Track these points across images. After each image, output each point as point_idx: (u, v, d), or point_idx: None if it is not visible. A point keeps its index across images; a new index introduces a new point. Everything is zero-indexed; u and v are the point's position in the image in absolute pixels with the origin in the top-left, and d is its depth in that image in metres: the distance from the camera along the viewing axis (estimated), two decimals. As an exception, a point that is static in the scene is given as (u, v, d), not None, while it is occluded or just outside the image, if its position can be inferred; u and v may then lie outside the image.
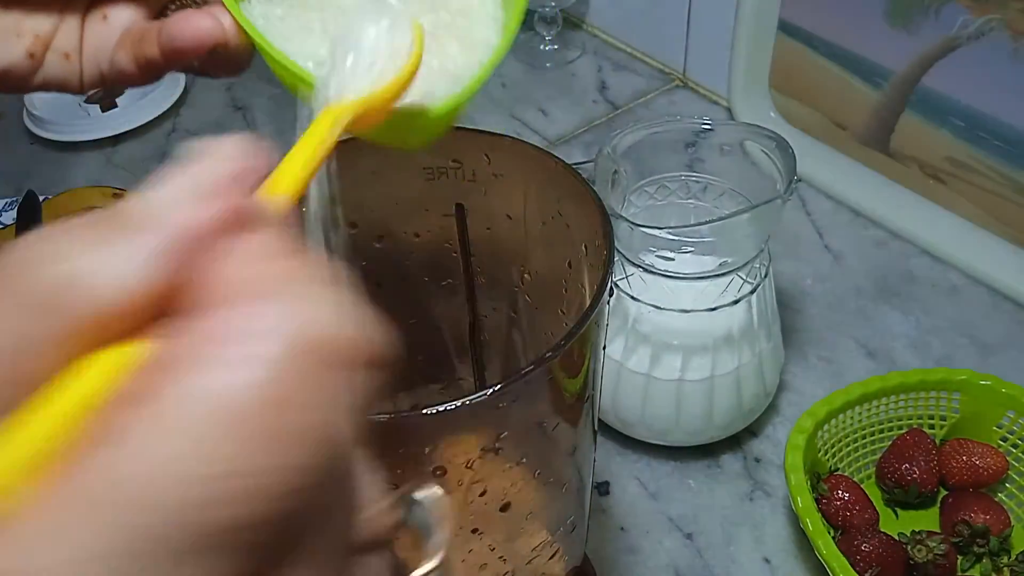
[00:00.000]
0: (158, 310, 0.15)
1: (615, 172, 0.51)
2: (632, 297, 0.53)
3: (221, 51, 0.32)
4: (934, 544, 0.48)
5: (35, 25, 0.34)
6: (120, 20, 0.35)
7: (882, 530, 0.50)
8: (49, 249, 0.15)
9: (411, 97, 0.27)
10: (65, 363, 0.14)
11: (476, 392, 0.29)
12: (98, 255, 0.15)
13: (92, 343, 0.15)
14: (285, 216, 0.17)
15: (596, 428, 0.41)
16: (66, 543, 0.13)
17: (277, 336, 0.14)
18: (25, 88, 0.35)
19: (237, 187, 0.16)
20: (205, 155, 0.16)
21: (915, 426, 0.54)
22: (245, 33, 0.31)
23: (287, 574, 0.15)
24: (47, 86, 0.35)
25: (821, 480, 0.52)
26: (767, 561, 0.52)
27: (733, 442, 0.58)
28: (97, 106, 0.88)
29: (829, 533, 0.47)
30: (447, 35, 0.32)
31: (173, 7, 0.35)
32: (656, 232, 0.49)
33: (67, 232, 0.15)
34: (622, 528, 0.54)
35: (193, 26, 0.31)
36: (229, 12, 0.31)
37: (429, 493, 0.21)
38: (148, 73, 0.34)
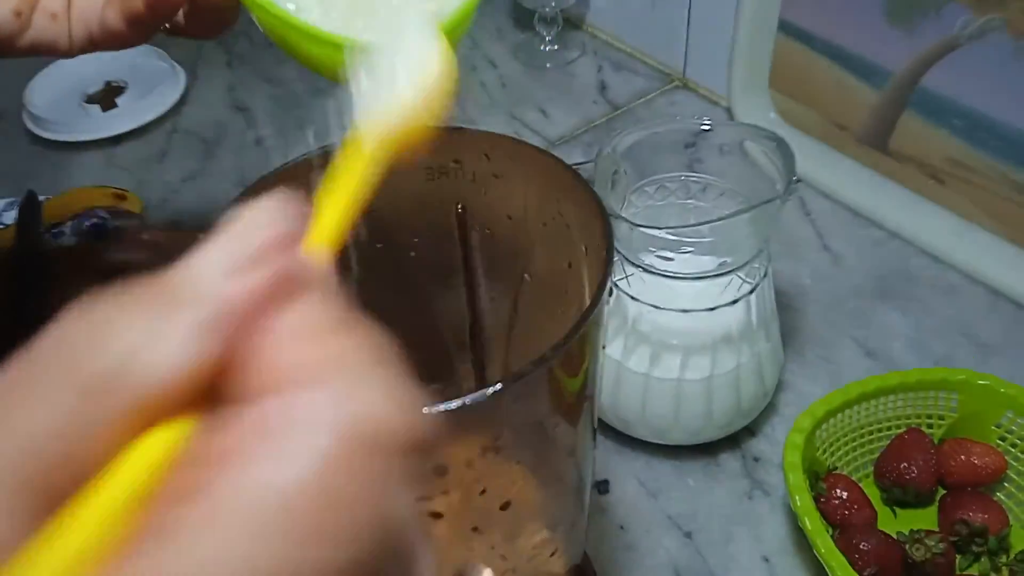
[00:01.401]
0: (208, 384, 0.15)
1: (615, 172, 0.51)
2: (632, 297, 0.53)
3: (204, 3, 0.31)
4: (932, 543, 0.48)
5: None
6: None
7: (880, 529, 0.51)
8: (97, 328, 0.15)
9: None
10: (118, 444, 0.14)
11: (476, 392, 0.29)
12: (148, 333, 0.15)
13: (144, 423, 0.15)
14: (329, 273, 0.17)
15: (596, 427, 0.41)
16: None
17: (327, 427, 0.14)
18: (12, 51, 0.34)
19: (279, 252, 0.16)
20: (243, 221, 0.16)
21: (914, 425, 0.54)
22: None
23: None
24: (35, 48, 0.34)
25: (820, 479, 0.52)
26: (766, 560, 0.52)
27: (732, 441, 0.58)
28: (97, 106, 0.88)
29: (828, 532, 0.48)
30: None
31: None
32: (656, 232, 0.50)
33: (113, 308, 0.15)
34: (621, 527, 0.54)
35: None
36: None
37: None
38: (136, 30, 0.33)
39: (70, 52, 0.35)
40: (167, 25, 0.33)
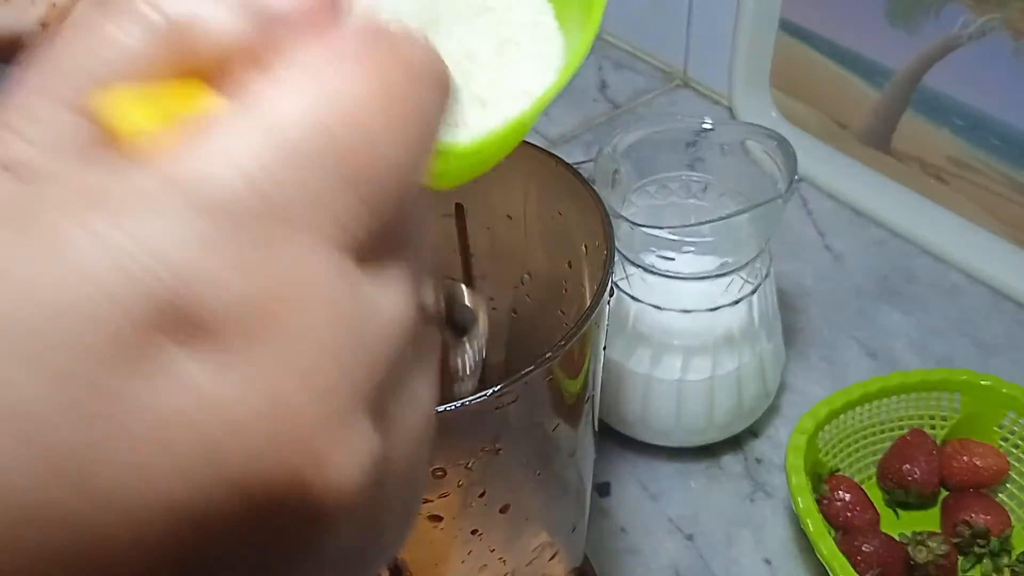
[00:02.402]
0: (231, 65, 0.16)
1: (615, 172, 0.51)
2: (632, 297, 0.53)
3: None
4: (935, 545, 0.48)
5: None
6: None
7: (883, 531, 0.50)
8: None
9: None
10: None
11: (476, 392, 0.29)
12: (219, 10, 0.15)
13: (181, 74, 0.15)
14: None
15: (596, 429, 0.40)
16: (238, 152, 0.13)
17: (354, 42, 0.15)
18: None
19: None
20: None
21: (916, 426, 0.54)
22: None
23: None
24: None
25: (822, 481, 0.52)
26: (768, 562, 0.52)
27: (734, 443, 0.57)
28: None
29: (830, 534, 0.47)
30: (494, 54, 0.28)
31: None
32: (657, 232, 0.49)
33: None
34: (622, 529, 0.54)
35: None
36: None
37: (459, 287, 0.20)
38: None
39: None
40: None
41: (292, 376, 0.13)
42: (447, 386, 0.17)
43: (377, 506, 0.15)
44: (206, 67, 0.15)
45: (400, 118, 0.14)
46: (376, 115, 0.14)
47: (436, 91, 0.15)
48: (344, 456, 0.13)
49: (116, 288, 0.12)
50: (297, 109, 0.13)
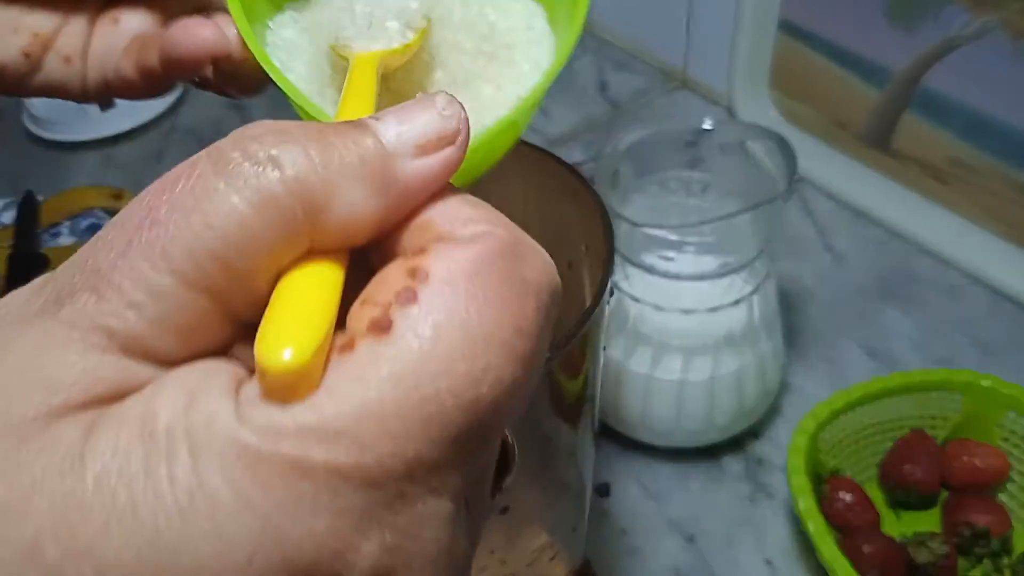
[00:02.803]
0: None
1: (615, 172, 0.51)
2: (633, 297, 0.53)
3: (225, 66, 0.29)
4: (935, 545, 0.48)
5: (34, 23, 0.32)
6: (131, 24, 0.32)
7: (883, 531, 0.50)
8: (314, 158, 0.15)
9: None
10: (282, 267, 0.15)
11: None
12: (352, 186, 0.15)
13: (301, 257, 0.15)
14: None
15: (596, 429, 0.40)
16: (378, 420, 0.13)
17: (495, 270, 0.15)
18: (24, 90, 0.33)
19: (448, 145, 0.16)
20: (425, 107, 0.17)
21: (917, 427, 0.54)
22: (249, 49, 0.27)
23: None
24: (47, 90, 0.33)
25: (823, 481, 0.52)
26: (768, 563, 0.52)
27: (734, 444, 0.57)
28: (96, 106, 0.88)
29: (831, 535, 0.47)
30: (488, 59, 0.28)
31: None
32: (657, 232, 0.49)
33: (326, 147, 0.15)
34: (623, 530, 0.54)
35: (191, 34, 0.29)
36: (235, 24, 0.27)
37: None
38: (151, 84, 0.32)
39: (84, 96, 0.34)
40: (196, 79, 0.32)
41: None
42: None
43: None
44: (325, 242, 0.15)
45: (530, 360, 0.15)
46: (511, 377, 0.14)
47: (553, 306, 0.16)
48: None
49: (259, 559, 0.12)
50: (441, 373, 0.14)
